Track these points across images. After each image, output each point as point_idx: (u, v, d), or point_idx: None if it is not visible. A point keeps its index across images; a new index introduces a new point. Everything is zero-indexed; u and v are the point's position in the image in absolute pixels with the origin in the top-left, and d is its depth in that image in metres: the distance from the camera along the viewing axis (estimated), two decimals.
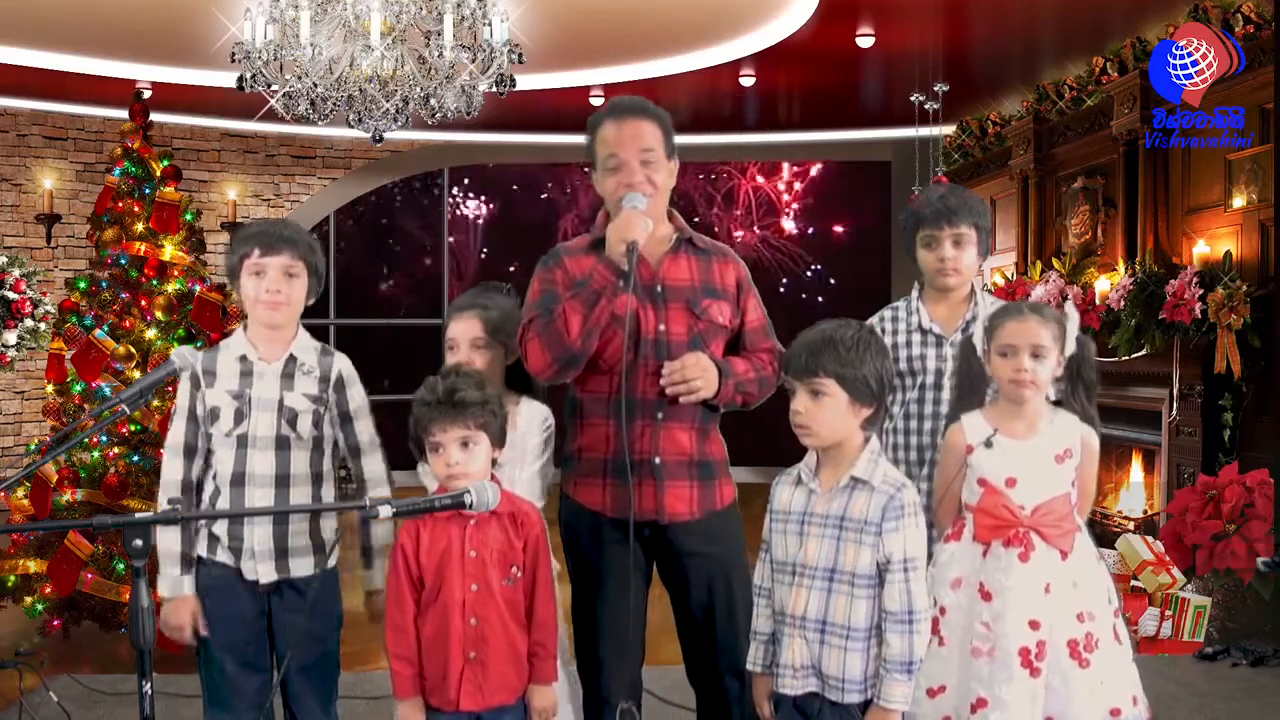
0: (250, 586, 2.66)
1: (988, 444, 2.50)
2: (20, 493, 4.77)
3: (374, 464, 2.77)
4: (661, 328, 2.65)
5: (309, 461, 2.68)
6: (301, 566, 2.68)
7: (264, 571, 2.65)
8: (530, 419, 2.76)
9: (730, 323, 2.73)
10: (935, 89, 7.83)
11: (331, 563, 2.74)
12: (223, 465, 2.65)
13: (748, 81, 7.91)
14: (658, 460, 2.63)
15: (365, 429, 2.76)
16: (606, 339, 2.61)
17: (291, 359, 2.68)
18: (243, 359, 2.67)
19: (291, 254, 2.63)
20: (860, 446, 2.32)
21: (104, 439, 4.75)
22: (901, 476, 2.34)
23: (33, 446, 5.98)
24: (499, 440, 2.43)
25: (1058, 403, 2.56)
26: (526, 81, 6.65)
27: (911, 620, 2.24)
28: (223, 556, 2.66)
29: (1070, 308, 2.56)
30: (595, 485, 2.67)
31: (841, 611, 2.27)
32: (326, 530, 2.71)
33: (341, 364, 2.74)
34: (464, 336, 2.76)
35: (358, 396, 2.75)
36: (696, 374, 2.58)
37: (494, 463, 2.45)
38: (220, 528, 2.67)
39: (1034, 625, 2.40)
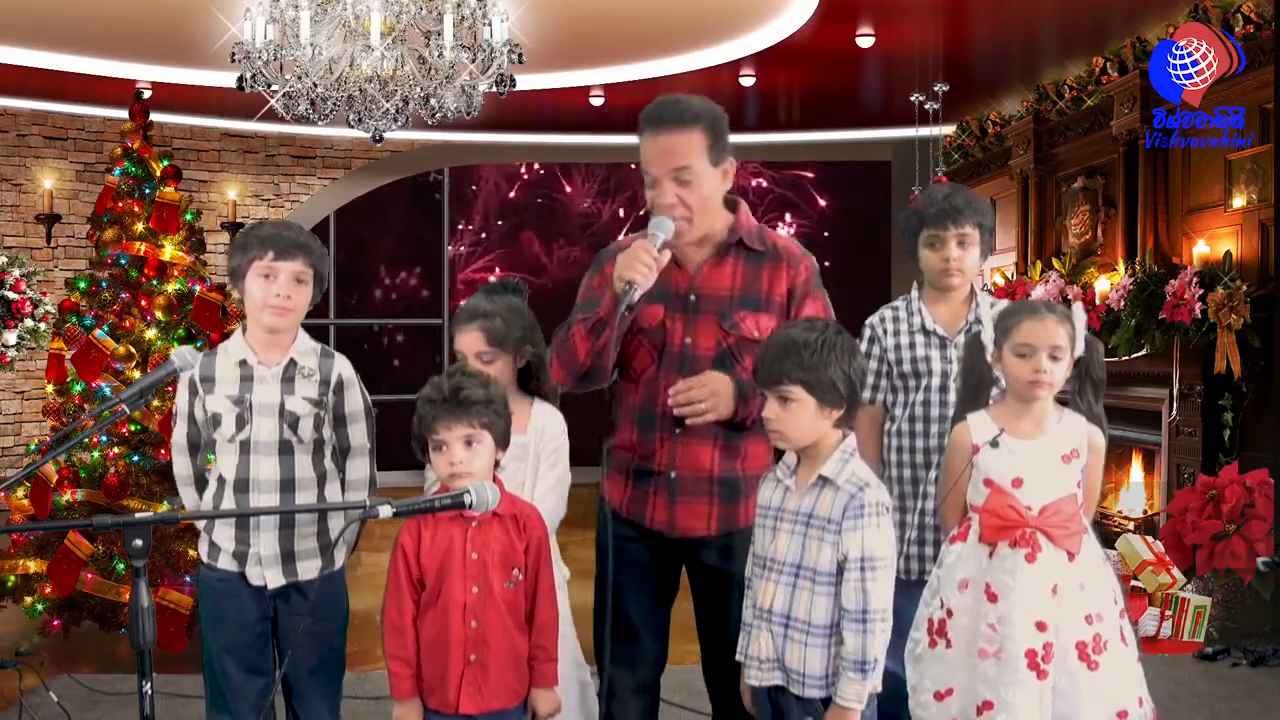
0: (255, 591, 2.65)
1: (994, 444, 2.49)
2: (20, 493, 4.76)
3: (359, 467, 2.76)
4: (688, 341, 2.59)
5: (312, 464, 2.67)
6: (308, 570, 2.67)
7: (271, 577, 2.64)
8: (542, 425, 2.74)
9: (767, 335, 2.59)
10: (935, 89, 7.82)
11: (338, 564, 2.74)
12: (226, 470, 2.64)
13: (748, 81, 7.90)
14: (673, 475, 2.60)
15: (359, 432, 2.75)
16: (634, 350, 2.59)
17: (292, 363, 2.67)
18: (242, 363, 2.66)
19: (304, 260, 2.62)
20: (835, 445, 2.33)
21: (104, 439, 4.75)
22: (869, 476, 2.32)
23: (33, 446, 5.98)
24: (503, 441, 2.42)
25: (1064, 402, 2.55)
26: (526, 81, 6.65)
27: (866, 619, 2.23)
28: (225, 563, 2.66)
29: (1077, 308, 2.54)
30: (619, 483, 2.67)
31: (804, 607, 2.28)
32: (333, 532, 2.70)
33: (342, 367, 2.73)
34: (469, 350, 2.72)
35: (355, 400, 2.74)
36: (702, 396, 2.51)
37: (496, 464, 2.44)
38: (223, 536, 2.66)
39: (1041, 627, 2.40)
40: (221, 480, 2.65)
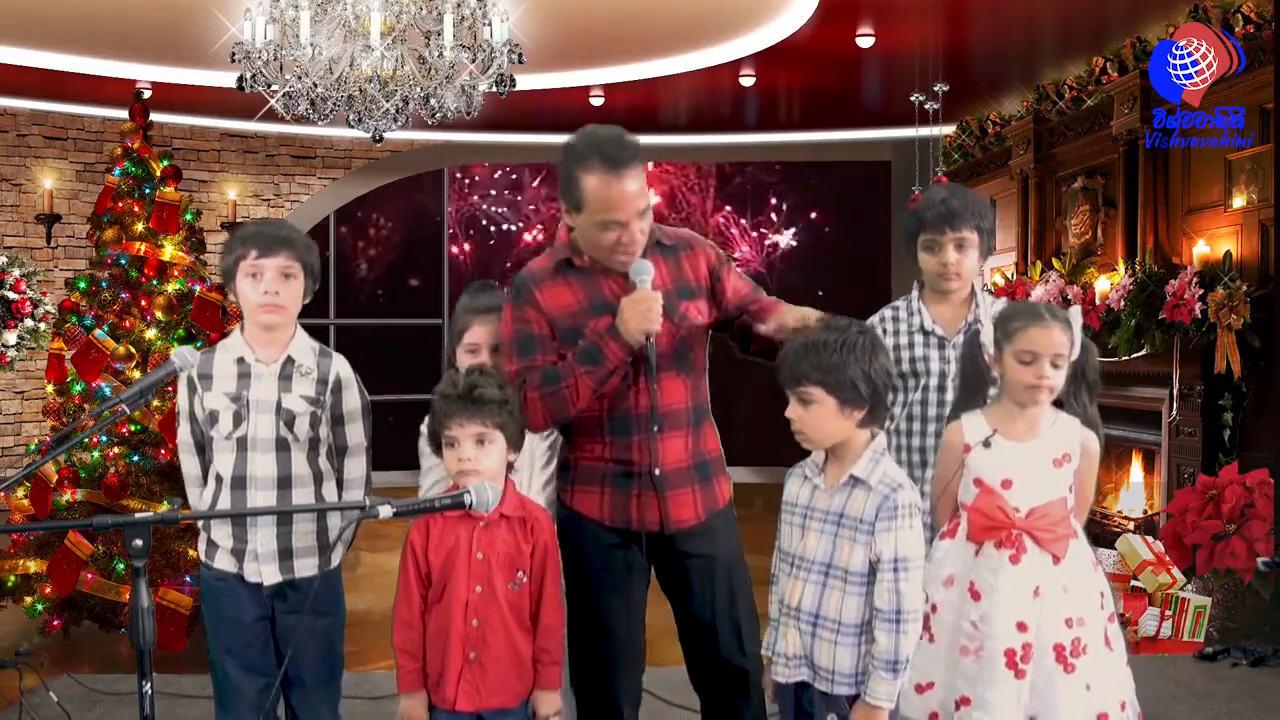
0: (253, 590, 2.65)
1: (986, 444, 2.50)
2: (20, 493, 4.77)
3: (356, 466, 2.77)
4: (649, 341, 2.57)
5: (308, 462, 2.68)
6: (305, 567, 2.67)
7: (268, 574, 2.65)
8: None
9: (709, 317, 2.67)
10: (935, 89, 7.82)
11: (335, 562, 2.74)
12: (223, 467, 2.65)
13: (748, 81, 7.91)
14: (657, 472, 2.59)
15: (355, 432, 2.75)
16: None
17: (289, 360, 2.68)
18: (240, 361, 2.67)
19: (288, 255, 2.63)
20: (864, 444, 2.33)
21: (104, 439, 4.75)
22: (901, 477, 2.33)
23: (33, 446, 5.98)
24: (516, 443, 2.42)
25: (1059, 404, 2.56)
26: (526, 81, 6.65)
27: (899, 619, 2.24)
28: (222, 562, 2.67)
29: (1075, 311, 2.54)
30: (593, 494, 2.62)
31: (834, 606, 2.29)
32: (331, 530, 2.70)
33: (340, 366, 2.74)
34: (488, 341, 2.71)
35: (352, 399, 2.74)
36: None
37: (510, 466, 2.44)
38: (220, 533, 2.67)
39: (1021, 627, 2.41)
40: (219, 478, 2.66)
